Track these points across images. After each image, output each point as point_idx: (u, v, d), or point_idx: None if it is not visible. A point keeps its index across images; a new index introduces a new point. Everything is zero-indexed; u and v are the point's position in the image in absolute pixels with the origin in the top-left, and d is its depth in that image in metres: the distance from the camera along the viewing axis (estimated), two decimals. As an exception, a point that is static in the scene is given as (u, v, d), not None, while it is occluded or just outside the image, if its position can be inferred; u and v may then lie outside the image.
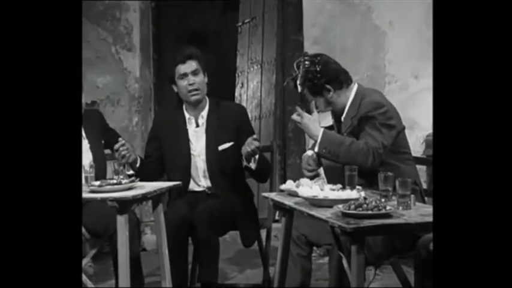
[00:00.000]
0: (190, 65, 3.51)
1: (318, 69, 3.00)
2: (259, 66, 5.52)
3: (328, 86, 3.04)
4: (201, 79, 3.52)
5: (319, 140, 2.93)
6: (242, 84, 5.78)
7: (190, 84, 3.50)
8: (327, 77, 3.04)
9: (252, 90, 5.63)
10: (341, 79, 3.07)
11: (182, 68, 3.51)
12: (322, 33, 4.64)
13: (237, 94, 5.82)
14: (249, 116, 3.86)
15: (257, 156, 3.39)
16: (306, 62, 2.99)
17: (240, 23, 5.82)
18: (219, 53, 6.69)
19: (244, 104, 5.54)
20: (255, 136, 3.35)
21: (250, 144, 3.29)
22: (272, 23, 5.30)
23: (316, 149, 2.96)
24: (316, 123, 2.97)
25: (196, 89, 3.51)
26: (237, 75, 5.86)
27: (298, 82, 2.99)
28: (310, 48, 4.50)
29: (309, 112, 2.99)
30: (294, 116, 3.00)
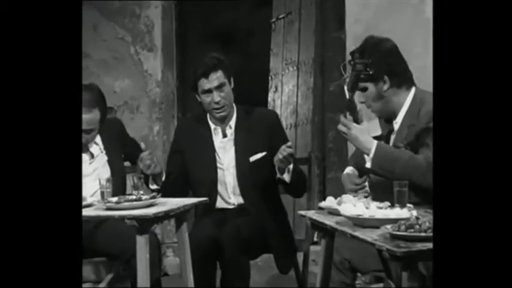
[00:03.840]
0: (215, 79, 3.46)
1: (371, 72, 2.94)
2: (295, 67, 5.53)
3: (386, 77, 2.99)
4: (227, 92, 3.49)
5: (372, 155, 2.88)
6: (276, 88, 5.79)
7: (215, 103, 3.48)
8: (389, 67, 3.00)
9: (287, 94, 5.63)
10: (403, 77, 3.03)
11: (205, 83, 3.47)
12: (366, 30, 4.59)
13: (270, 99, 5.83)
14: (284, 124, 3.84)
15: (291, 167, 3.37)
16: (357, 65, 2.94)
17: (273, 19, 5.83)
18: (249, 53, 6.70)
19: (278, 110, 5.56)
20: (289, 143, 3.33)
21: (282, 151, 3.27)
22: (310, 19, 5.31)
23: (368, 165, 2.91)
24: (367, 134, 2.92)
25: (222, 107, 3.49)
26: (270, 78, 5.87)
27: (346, 87, 2.94)
28: (352, 48, 4.46)
29: (357, 122, 2.94)
30: (340, 127, 2.95)
